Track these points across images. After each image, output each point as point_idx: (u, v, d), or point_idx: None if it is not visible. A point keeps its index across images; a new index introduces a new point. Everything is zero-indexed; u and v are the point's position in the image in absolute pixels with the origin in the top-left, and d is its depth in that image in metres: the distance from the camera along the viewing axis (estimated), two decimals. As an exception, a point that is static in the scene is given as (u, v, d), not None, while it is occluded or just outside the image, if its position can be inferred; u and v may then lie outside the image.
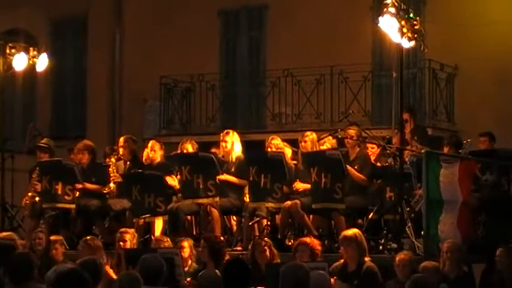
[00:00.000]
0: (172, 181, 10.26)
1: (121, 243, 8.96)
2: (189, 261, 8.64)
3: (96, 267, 6.10)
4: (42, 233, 9.38)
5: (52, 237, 9.41)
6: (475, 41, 13.75)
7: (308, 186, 9.67)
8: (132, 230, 9.27)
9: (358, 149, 9.87)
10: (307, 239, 8.35)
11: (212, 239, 8.56)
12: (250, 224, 9.77)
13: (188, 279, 8.09)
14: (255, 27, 15.88)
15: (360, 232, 8.25)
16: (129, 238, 9.00)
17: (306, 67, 14.21)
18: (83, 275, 4.96)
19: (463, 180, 8.98)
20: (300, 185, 9.77)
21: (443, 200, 8.91)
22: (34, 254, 6.93)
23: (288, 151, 10.32)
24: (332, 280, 7.42)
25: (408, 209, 9.26)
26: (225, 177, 9.98)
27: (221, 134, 10.35)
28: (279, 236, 9.74)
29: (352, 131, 9.85)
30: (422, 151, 9.28)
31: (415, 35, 9.43)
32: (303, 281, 5.57)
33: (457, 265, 8.12)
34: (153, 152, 10.51)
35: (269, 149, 10.12)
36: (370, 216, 9.52)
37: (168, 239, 9.12)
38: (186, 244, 8.74)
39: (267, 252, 8.32)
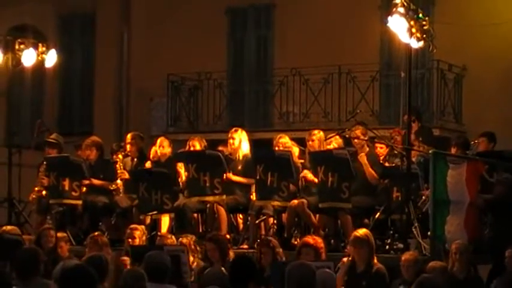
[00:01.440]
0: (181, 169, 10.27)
1: (130, 239, 8.96)
2: (192, 259, 8.61)
3: (102, 263, 6.11)
4: (52, 230, 9.36)
5: (58, 234, 9.41)
6: (484, 42, 13.71)
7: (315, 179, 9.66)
8: (141, 227, 9.27)
9: (367, 149, 9.86)
10: (310, 239, 8.31)
11: (220, 239, 8.55)
12: (256, 222, 9.77)
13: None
14: (263, 25, 15.87)
15: (369, 232, 8.24)
16: (139, 235, 9.01)
17: (313, 66, 14.19)
18: (89, 270, 4.96)
19: (470, 181, 8.97)
20: (308, 175, 9.74)
21: (450, 200, 8.91)
22: (41, 249, 6.92)
23: (296, 150, 10.31)
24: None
25: (415, 209, 9.24)
26: (232, 177, 9.97)
27: (230, 131, 10.35)
28: (285, 235, 9.75)
29: (358, 131, 9.85)
30: (430, 151, 9.27)
31: (424, 35, 9.41)
32: (309, 279, 5.56)
33: (466, 266, 8.10)
34: (162, 148, 10.52)
35: (277, 148, 10.11)
36: (376, 216, 9.51)
37: (173, 236, 9.12)
38: (186, 241, 8.72)
39: (271, 255, 8.27)
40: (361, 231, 8.16)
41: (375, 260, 8.01)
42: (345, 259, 8.07)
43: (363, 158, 9.56)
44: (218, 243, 8.38)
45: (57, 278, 5.61)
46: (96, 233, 9.14)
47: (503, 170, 9.49)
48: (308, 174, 9.77)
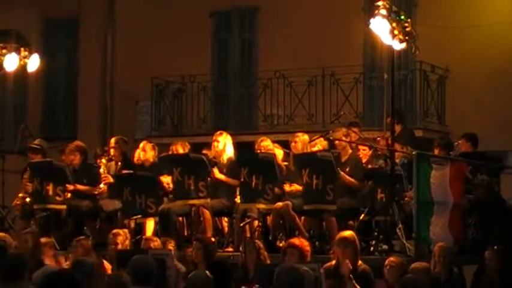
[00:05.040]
0: (165, 179, 10.26)
1: (113, 245, 8.94)
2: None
3: (88, 268, 6.07)
4: (29, 234, 9.32)
5: (42, 240, 9.37)
6: (466, 43, 13.78)
7: (298, 187, 9.69)
8: (124, 231, 9.25)
9: (350, 151, 9.89)
10: (296, 241, 8.33)
11: (206, 241, 8.58)
12: (241, 225, 9.77)
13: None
14: (247, 28, 15.88)
15: (354, 233, 8.26)
16: (121, 240, 8.99)
17: (297, 68, 14.21)
18: (72, 276, 4.94)
19: (453, 182, 9.02)
20: (289, 188, 9.78)
21: (434, 201, 8.94)
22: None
23: (279, 152, 10.33)
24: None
25: (399, 210, 9.27)
26: (218, 175, 9.97)
27: (214, 134, 10.36)
28: (270, 238, 9.75)
29: (340, 133, 9.88)
30: (413, 153, 9.31)
31: (406, 37, 9.46)
32: (298, 282, 5.55)
33: (447, 267, 8.15)
34: (144, 152, 10.52)
35: (259, 151, 10.12)
36: (361, 217, 9.53)
37: (158, 239, 9.11)
38: (170, 246, 8.72)
39: (255, 254, 8.31)
40: (347, 232, 8.19)
41: (360, 262, 8.03)
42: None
43: (343, 175, 9.55)
44: (204, 244, 8.40)
45: (37, 283, 5.58)
46: (82, 237, 9.12)
47: (485, 173, 9.53)
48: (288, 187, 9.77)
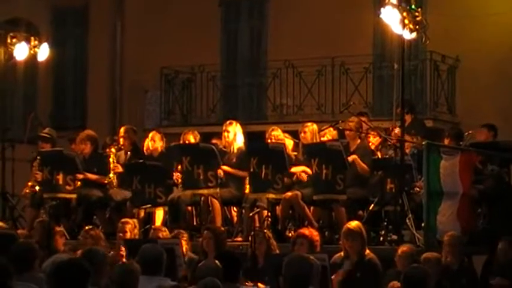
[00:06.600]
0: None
1: (121, 234, 8.97)
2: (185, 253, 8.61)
3: (99, 257, 6.08)
4: (43, 223, 9.37)
5: (55, 228, 9.41)
6: (477, 33, 13.71)
7: (304, 168, 9.65)
8: (133, 220, 9.27)
9: (358, 140, 9.86)
10: (306, 231, 8.34)
11: (217, 230, 8.59)
12: (250, 215, 9.76)
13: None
14: (256, 17, 15.84)
15: (361, 224, 8.25)
16: (130, 228, 9.02)
17: (307, 58, 14.17)
18: (82, 264, 4.94)
19: (463, 172, 9.00)
20: (296, 169, 9.75)
21: (443, 191, 8.93)
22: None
23: (289, 142, 10.31)
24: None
25: (409, 201, 9.25)
26: (227, 168, 9.97)
27: (224, 124, 10.35)
28: (279, 227, 9.76)
29: (351, 123, 9.85)
30: (423, 143, 9.29)
31: (417, 27, 9.43)
32: (307, 272, 5.55)
33: (458, 257, 8.14)
34: (153, 142, 10.52)
35: (269, 141, 10.11)
36: (370, 207, 9.52)
37: (166, 229, 9.12)
38: (183, 240, 8.72)
39: (265, 245, 8.32)
40: (353, 224, 8.18)
41: (367, 251, 8.03)
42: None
43: (356, 159, 9.53)
44: (215, 234, 8.42)
45: (47, 272, 5.59)
46: (90, 227, 9.14)
47: (495, 163, 9.51)
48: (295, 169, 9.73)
